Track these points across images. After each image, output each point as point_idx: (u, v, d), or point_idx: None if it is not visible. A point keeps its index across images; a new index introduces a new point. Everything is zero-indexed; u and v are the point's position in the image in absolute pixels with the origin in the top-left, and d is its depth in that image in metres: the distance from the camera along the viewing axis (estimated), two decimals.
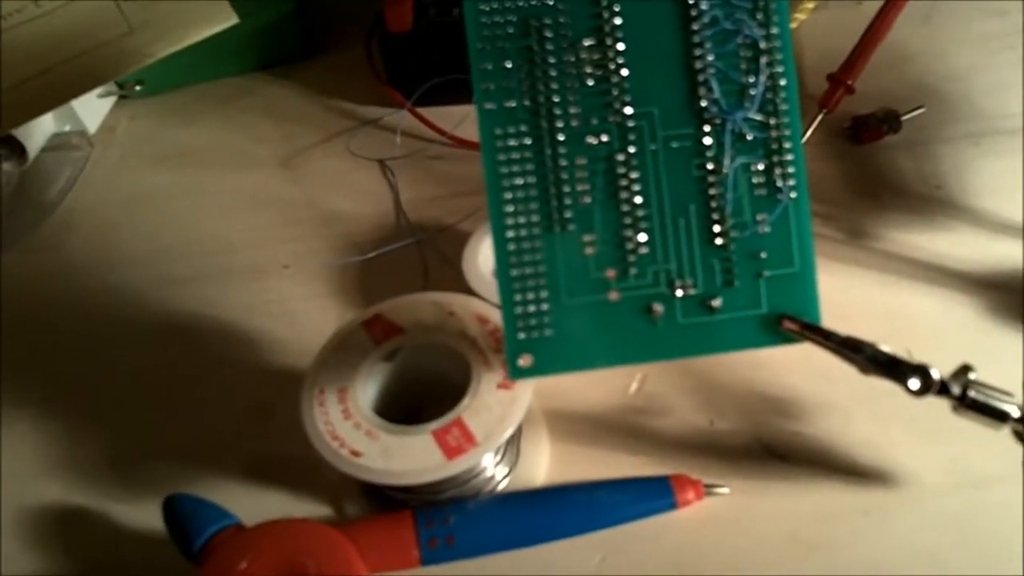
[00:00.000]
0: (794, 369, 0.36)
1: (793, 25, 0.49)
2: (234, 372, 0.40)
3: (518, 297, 0.28)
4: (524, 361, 0.28)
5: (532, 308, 0.28)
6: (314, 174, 0.48)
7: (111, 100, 0.53)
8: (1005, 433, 0.28)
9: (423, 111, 0.49)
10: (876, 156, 0.45)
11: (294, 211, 0.46)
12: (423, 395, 0.34)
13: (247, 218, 0.47)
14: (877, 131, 0.45)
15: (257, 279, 0.43)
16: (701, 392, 0.37)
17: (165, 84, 0.53)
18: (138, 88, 0.51)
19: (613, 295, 0.28)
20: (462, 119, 0.48)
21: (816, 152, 0.45)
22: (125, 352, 0.41)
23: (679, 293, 0.29)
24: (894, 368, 0.28)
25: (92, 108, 0.52)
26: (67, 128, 0.51)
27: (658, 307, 0.28)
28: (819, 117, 0.45)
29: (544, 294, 0.28)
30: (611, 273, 0.28)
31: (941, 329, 0.38)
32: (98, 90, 0.51)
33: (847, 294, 0.39)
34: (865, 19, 0.46)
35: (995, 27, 0.51)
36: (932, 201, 0.42)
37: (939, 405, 0.28)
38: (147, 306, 0.43)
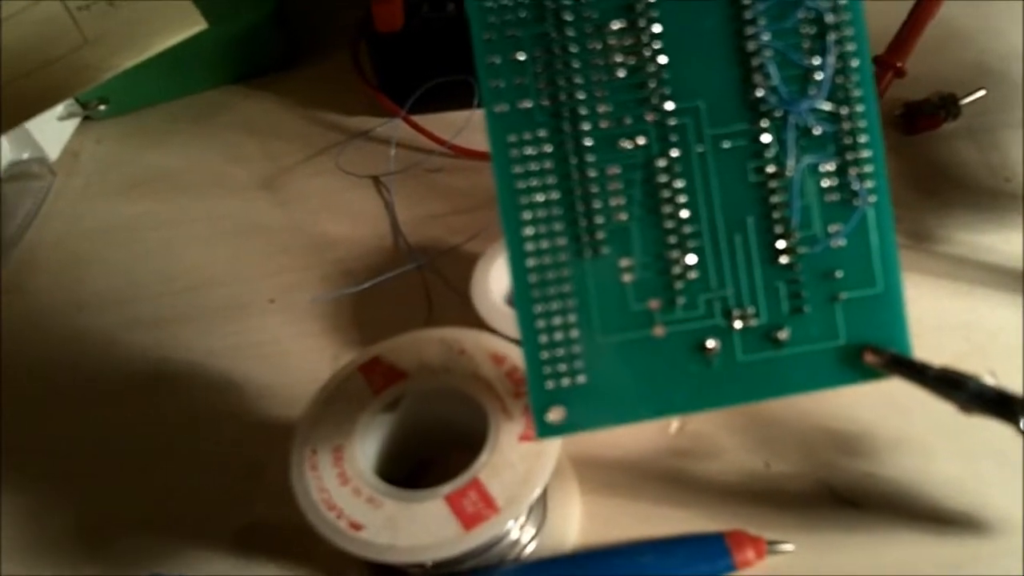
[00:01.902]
0: (862, 398, 0.32)
1: None
2: (217, 426, 0.35)
3: (544, 338, 0.23)
4: (555, 416, 0.23)
5: (561, 351, 0.23)
6: (301, 195, 0.44)
7: (74, 122, 0.49)
8: None
9: (419, 119, 0.45)
10: (934, 147, 0.41)
11: (280, 238, 0.42)
12: (432, 448, 0.30)
13: (227, 248, 0.42)
14: (933, 118, 0.41)
15: (240, 317, 0.39)
16: (753, 429, 0.32)
17: (133, 102, 0.49)
18: (103, 108, 0.47)
19: (658, 330, 0.23)
20: (463, 126, 0.44)
21: None
22: (94, 406, 0.37)
23: (738, 324, 0.24)
24: (1004, 406, 0.23)
25: (52, 132, 0.48)
26: (25, 156, 0.47)
27: (713, 343, 0.24)
28: None
29: (575, 333, 0.23)
30: (655, 304, 0.23)
31: None
32: (58, 112, 0.47)
33: (914, 307, 0.34)
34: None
35: None
36: (1002, 195, 0.38)
37: None
38: (118, 352, 0.39)
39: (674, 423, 0.33)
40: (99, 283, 0.42)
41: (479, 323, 0.33)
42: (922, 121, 0.41)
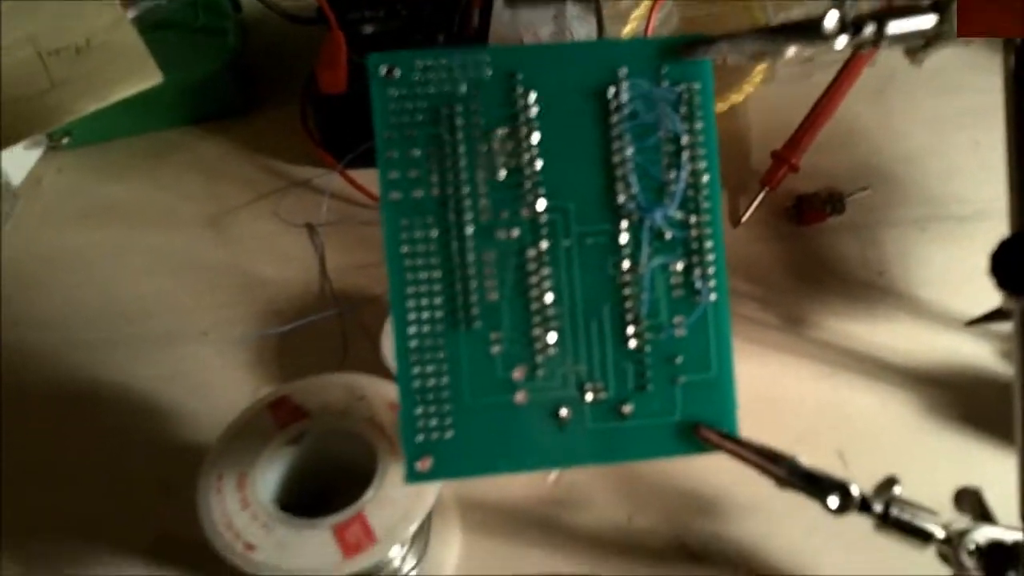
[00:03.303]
0: (722, 466, 0.34)
1: (740, 97, 0.48)
2: (139, 445, 0.38)
3: (418, 397, 0.27)
4: (422, 465, 0.27)
5: (433, 409, 0.27)
6: (241, 236, 0.47)
7: (38, 151, 0.51)
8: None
9: (356, 174, 0.47)
10: (819, 238, 0.44)
11: (218, 275, 0.45)
12: (330, 481, 0.33)
13: (169, 281, 0.45)
14: (820, 212, 0.44)
15: (173, 346, 0.42)
16: (623, 485, 0.35)
17: (94, 136, 0.51)
18: (66, 141, 0.50)
19: (519, 397, 0.27)
20: None
21: (756, 232, 0.44)
22: (21, 420, 0.40)
23: (589, 397, 0.27)
24: (812, 484, 0.26)
25: (18, 159, 0.50)
26: None
27: (565, 411, 0.27)
28: (761, 195, 0.44)
29: (446, 394, 0.27)
30: (518, 373, 0.27)
31: (877, 427, 0.37)
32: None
33: (780, 385, 0.38)
34: (815, 93, 0.45)
35: (948, 106, 0.49)
36: (874, 288, 0.41)
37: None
38: (52, 371, 0.41)
39: (552, 473, 0.36)
40: (45, 304, 0.44)
41: (386, 370, 0.37)
42: (810, 214, 0.44)
